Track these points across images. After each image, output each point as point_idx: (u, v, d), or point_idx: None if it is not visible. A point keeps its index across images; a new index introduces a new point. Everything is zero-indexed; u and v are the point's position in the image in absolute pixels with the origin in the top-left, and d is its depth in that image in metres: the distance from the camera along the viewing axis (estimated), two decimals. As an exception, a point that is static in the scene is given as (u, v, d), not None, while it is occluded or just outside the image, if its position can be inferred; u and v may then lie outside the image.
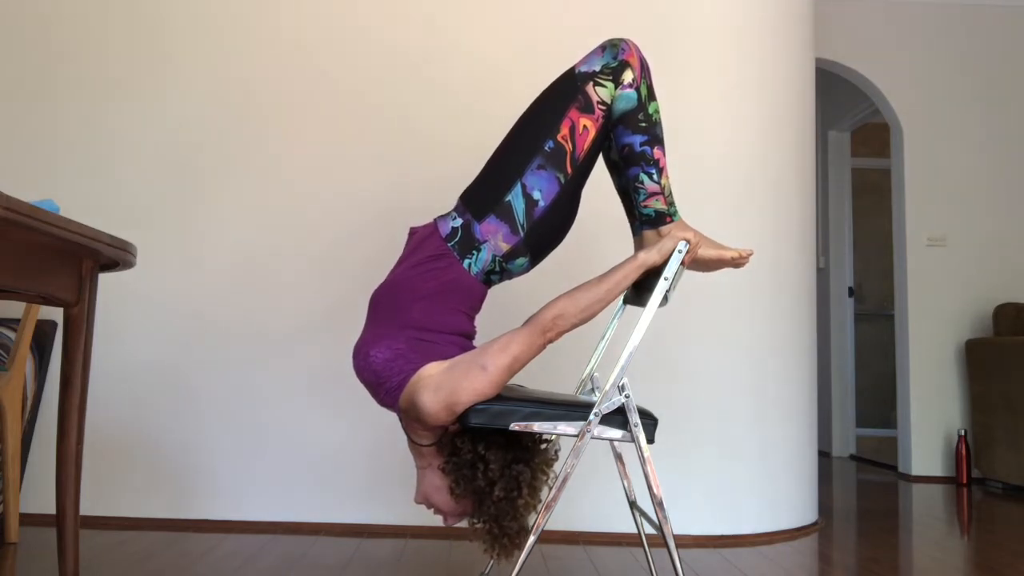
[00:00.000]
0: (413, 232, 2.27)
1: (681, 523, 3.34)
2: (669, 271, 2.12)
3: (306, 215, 3.56)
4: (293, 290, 3.52)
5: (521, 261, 2.20)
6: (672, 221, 2.26)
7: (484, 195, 2.18)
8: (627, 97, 2.17)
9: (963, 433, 5.22)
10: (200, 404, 3.47)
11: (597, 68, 2.18)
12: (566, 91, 2.20)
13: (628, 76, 2.17)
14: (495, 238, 2.15)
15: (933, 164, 5.54)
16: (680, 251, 2.13)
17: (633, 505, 2.47)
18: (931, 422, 5.43)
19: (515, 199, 2.14)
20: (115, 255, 2.10)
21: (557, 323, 2.08)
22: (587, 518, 3.40)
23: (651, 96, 2.21)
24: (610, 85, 2.17)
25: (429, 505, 2.19)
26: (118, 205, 3.55)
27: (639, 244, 2.32)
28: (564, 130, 2.16)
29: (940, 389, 5.44)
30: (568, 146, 2.16)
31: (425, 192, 3.53)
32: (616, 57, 2.18)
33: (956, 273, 5.49)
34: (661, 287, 2.11)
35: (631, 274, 2.15)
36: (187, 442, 3.45)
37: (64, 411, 2.13)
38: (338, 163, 3.58)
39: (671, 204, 2.25)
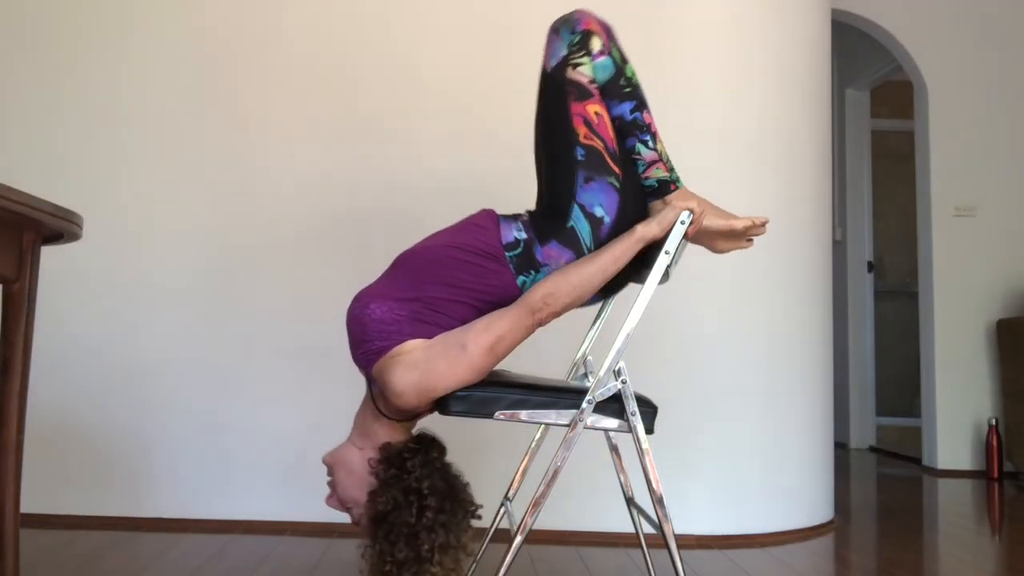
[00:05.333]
0: (484, 211, 2.27)
1: (683, 522, 3.35)
2: (670, 244, 2.11)
3: (274, 187, 3.57)
4: (256, 270, 3.53)
5: None
6: (677, 188, 2.27)
7: (546, 222, 2.18)
8: (603, 66, 2.18)
9: (994, 422, 5.26)
10: (153, 391, 3.48)
11: (564, 52, 2.19)
12: (555, 91, 2.20)
13: (596, 44, 2.17)
14: (557, 264, 2.15)
15: (961, 126, 5.55)
16: (683, 222, 2.12)
17: (630, 502, 2.49)
18: (959, 410, 5.47)
19: (578, 223, 2.15)
20: (59, 226, 2.08)
21: (547, 302, 2.07)
22: (580, 516, 3.43)
23: (624, 58, 2.22)
24: (587, 59, 2.17)
25: (330, 475, 2.17)
26: (63, 172, 3.54)
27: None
28: (581, 129, 2.17)
29: (969, 374, 5.48)
30: (597, 143, 2.16)
31: (399, 167, 3.56)
32: (574, 31, 2.18)
33: (986, 246, 5.51)
34: (662, 262, 2.11)
35: (629, 248, 2.14)
36: (139, 432, 3.46)
37: (3, 398, 2.12)
38: (308, 136, 3.59)
39: (671, 170, 2.26)
